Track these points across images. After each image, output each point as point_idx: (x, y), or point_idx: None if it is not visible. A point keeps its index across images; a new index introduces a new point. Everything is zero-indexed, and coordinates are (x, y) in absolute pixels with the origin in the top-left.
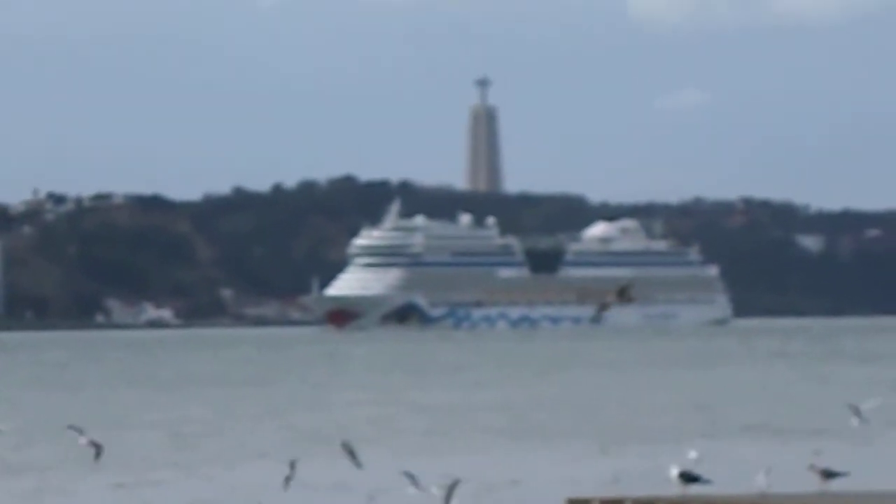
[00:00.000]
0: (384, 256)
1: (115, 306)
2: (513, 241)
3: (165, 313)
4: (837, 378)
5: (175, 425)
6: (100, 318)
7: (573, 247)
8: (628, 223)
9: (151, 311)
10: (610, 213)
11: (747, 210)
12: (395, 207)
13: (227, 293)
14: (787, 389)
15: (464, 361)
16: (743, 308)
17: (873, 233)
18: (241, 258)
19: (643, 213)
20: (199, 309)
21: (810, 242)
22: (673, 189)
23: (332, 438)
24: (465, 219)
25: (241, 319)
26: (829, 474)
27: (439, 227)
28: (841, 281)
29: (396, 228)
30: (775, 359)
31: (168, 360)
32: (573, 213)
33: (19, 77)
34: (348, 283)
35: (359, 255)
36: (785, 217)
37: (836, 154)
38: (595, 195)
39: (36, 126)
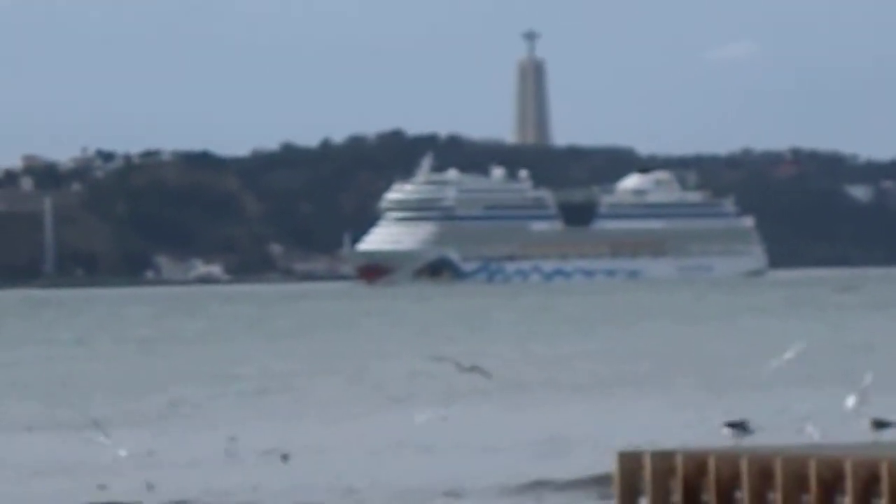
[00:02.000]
0: (416, 210)
1: (165, 262)
2: (546, 194)
3: (215, 269)
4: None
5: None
6: (149, 275)
7: (607, 199)
8: (662, 175)
9: (201, 267)
10: (658, 164)
11: (796, 160)
12: (427, 161)
13: (275, 248)
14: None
15: (534, 317)
16: (793, 259)
17: None
18: (290, 214)
19: (691, 164)
20: (248, 264)
21: (860, 192)
22: (721, 140)
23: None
24: (498, 172)
25: (289, 274)
26: (880, 424)
27: (472, 180)
28: (891, 230)
29: (429, 182)
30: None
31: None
32: (621, 165)
33: (68, 35)
34: (380, 238)
35: (391, 209)
36: (833, 167)
37: (885, 103)
38: (643, 147)
39: (84, 83)
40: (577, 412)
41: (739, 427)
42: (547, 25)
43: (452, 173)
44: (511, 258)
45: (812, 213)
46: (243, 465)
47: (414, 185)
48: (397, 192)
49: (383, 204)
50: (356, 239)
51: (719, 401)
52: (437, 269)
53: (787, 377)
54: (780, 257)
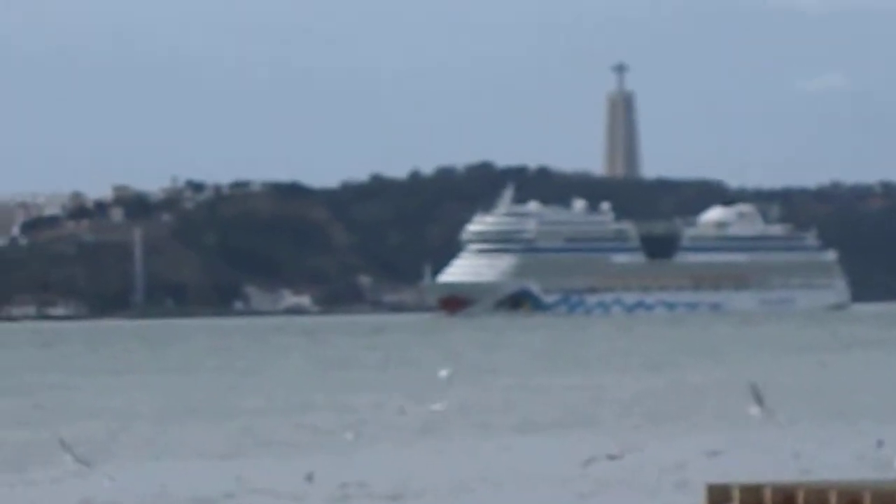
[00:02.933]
0: (497, 242)
1: (254, 293)
2: (628, 227)
3: (304, 300)
4: None
5: None
6: (238, 305)
7: (689, 232)
8: (745, 208)
9: (290, 298)
10: (747, 197)
11: (885, 194)
12: (508, 193)
13: (364, 280)
14: None
15: (665, 348)
16: (882, 293)
17: None
18: (378, 245)
19: (779, 197)
20: (337, 295)
21: None
22: (810, 173)
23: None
24: (579, 204)
25: (378, 306)
26: None
27: (552, 212)
28: None
29: (509, 214)
30: None
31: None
32: (710, 197)
33: (159, 66)
34: (461, 270)
35: (472, 240)
36: None
37: None
38: (732, 180)
39: (175, 114)
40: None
41: None
42: (636, 58)
43: (533, 205)
44: (592, 290)
45: None
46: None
47: (495, 216)
48: (478, 224)
49: (464, 236)
50: (438, 270)
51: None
52: (517, 301)
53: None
54: (867, 291)
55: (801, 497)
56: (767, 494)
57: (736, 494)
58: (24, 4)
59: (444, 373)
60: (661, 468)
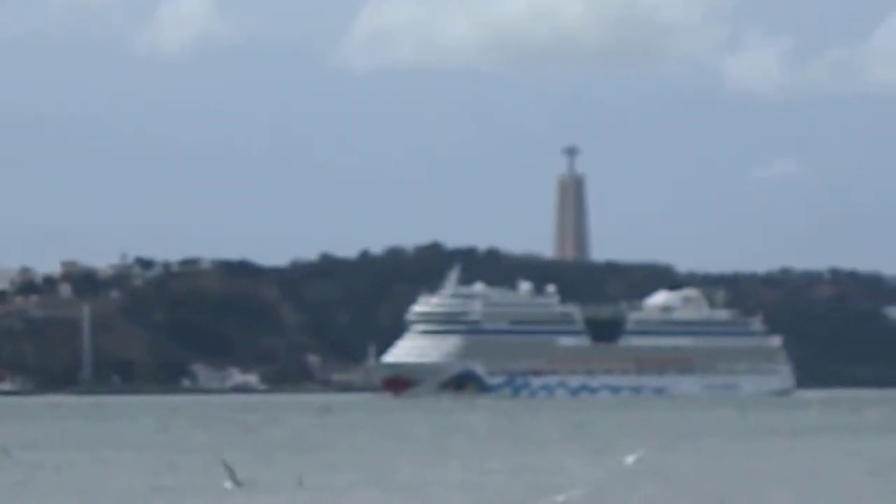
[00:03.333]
0: (442, 323)
1: (202, 371)
2: (573, 309)
3: (251, 378)
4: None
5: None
6: (186, 383)
7: (634, 315)
8: (690, 292)
9: (238, 377)
10: (696, 282)
11: (834, 280)
12: (454, 274)
13: (312, 359)
14: None
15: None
16: (831, 379)
17: None
18: (328, 324)
19: (729, 282)
20: (285, 374)
21: None
22: (760, 259)
23: None
24: (525, 286)
25: (326, 385)
26: None
27: (498, 294)
28: None
29: (455, 295)
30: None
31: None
32: (660, 281)
33: (107, 145)
34: (405, 350)
35: (417, 321)
36: (873, 288)
37: None
38: (682, 264)
39: (124, 191)
40: None
41: None
42: (588, 141)
43: (479, 287)
44: (537, 373)
45: (850, 334)
46: None
47: (440, 297)
48: (424, 305)
49: (410, 316)
50: (384, 350)
51: None
52: (462, 383)
53: None
54: (816, 377)
55: None
56: None
57: None
58: None
59: None
60: None
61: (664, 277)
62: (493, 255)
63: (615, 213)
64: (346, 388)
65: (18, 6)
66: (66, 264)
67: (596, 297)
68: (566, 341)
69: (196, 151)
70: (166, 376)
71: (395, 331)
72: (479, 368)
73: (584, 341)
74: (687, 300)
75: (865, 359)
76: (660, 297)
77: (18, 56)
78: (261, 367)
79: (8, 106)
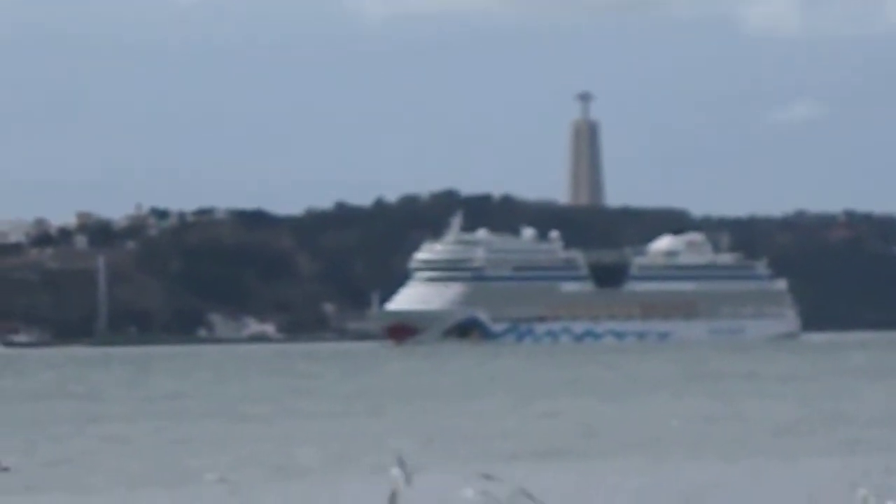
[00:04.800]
0: (445, 271)
1: (218, 321)
2: (577, 255)
3: (268, 328)
4: None
5: None
6: (202, 333)
7: (638, 261)
8: (694, 237)
9: (254, 326)
10: (711, 226)
11: (849, 222)
12: (456, 221)
13: (328, 308)
14: None
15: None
16: (842, 321)
17: None
18: (343, 273)
19: (745, 226)
20: (302, 324)
21: None
22: (777, 202)
23: None
24: (528, 232)
25: (343, 333)
26: None
27: (501, 240)
28: None
29: (457, 242)
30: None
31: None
32: (675, 226)
33: (122, 94)
34: (409, 298)
35: (420, 269)
36: (887, 229)
37: None
38: (698, 208)
39: (138, 141)
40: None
41: None
42: (602, 87)
43: (482, 233)
44: (541, 319)
45: (862, 276)
46: None
47: (443, 244)
48: (427, 252)
49: (413, 264)
50: (388, 298)
51: None
52: (465, 330)
53: None
54: (826, 320)
55: None
56: None
57: None
58: None
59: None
60: None
61: (679, 221)
62: (507, 202)
63: (630, 159)
64: (362, 336)
65: None
66: (81, 215)
67: (611, 242)
68: (570, 287)
69: (208, 101)
70: (182, 326)
71: (406, 279)
72: (483, 315)
73: (587, 287)
74: (690, 245)
75: (876, 301)
76: (664, 242)
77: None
78: (277, 316)
79: (13, 58)
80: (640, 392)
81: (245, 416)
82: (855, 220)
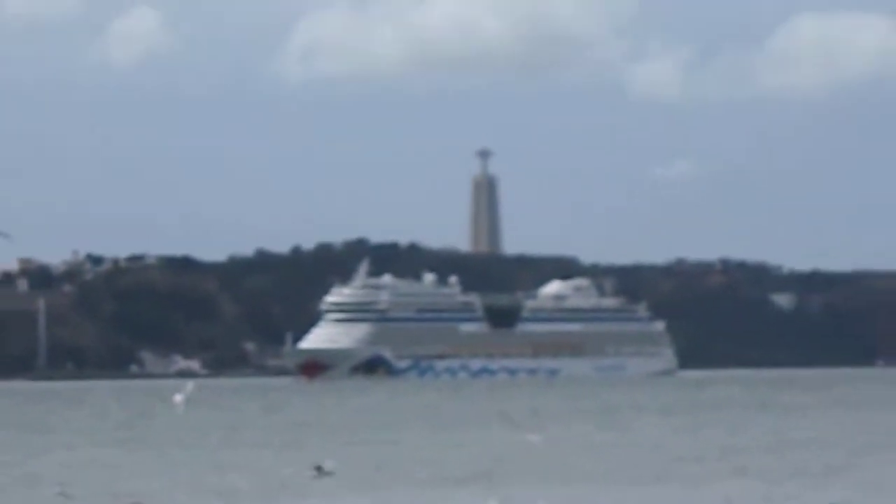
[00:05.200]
0: (353, 312)
1: (148, 358)
2: (474, 298)
3: (194, 364)
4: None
5: None
6: (134, 369)
7: (529, 304)
8: (581, 281)
9: (181, 363)
10: (599, 272)
11: (725, 270)
12: (363, 266)
13: (249, 346)
14: None
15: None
16: (722, 360)
17: (840, 292)
18: (263, 314)
19: (630, 273)
20: (225, 360)
21: (783, 300)
22: (659, 251)
23: None
24: (429, 277)
25: (262, 370)
26: None
27: (404, 285)
28: (812, 335)
29: (365, 286)
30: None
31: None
32: (565, 272)
33: (62, 146)
34: (319, 337)
35: (330, 310)
36: (759, 276)
37: (806, 216)
38: (587, 256)
39: (76, 190)
40: None
41: None
42: (500, 144)
43: (387, 278)
44: (441, 357)
45: (738, 319)
46: None
47: (351, 288)
48: (336, 295)
49: (323, 305)
50: (300, 338)
51: None
52: (372, 367)
53: None
54: (706, 359)
55: None
56: None
57: None
58: None
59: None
60: None
61: (569, 268)
62: (413, 249)
63: (526, 211)
64: (279, 372)
65: None
66: (22, 261)
67: (507, 287)
68: (467, 328)
69: (142, 153)
70: (116, 362)
71: (319, 320)
72: (388, 353)
73: (483, 328)
74: (577, 289)
75: (749, 341)
76: (553, 287)
77: None
78: (202, 353)
79: None
80: (543, 423)
81: (181, 444)
82: (730, 268)
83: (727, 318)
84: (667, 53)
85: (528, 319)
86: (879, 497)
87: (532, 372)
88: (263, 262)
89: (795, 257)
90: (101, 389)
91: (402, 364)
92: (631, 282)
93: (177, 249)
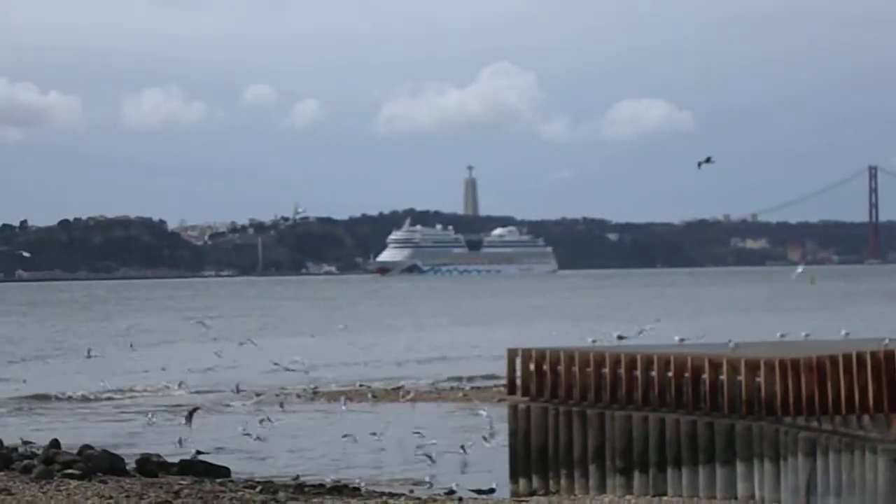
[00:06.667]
0: (401, 243)
1: (311, 265)
2: (458, 236)
3: (332, 268)
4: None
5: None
6: (303, 271)
7: (487, 239)
8: (512, 228)
9: (326, 267)
10: (524, 224)
11: (585, 223)
12: (407, 221)
13: (358, 259)
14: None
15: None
16: (579, 266)
17: (646, 232)
18: (364, 244)
19: (539, 225)
20: (346, 266)
21: (613, 237)
22: (554, 209)
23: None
24: (439, 227)
25: (364, 271)
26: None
27: (426, 230)
28: (633, 255)
29: (407, 230)
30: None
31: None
32: (506, 224)
33: None
34: (386, 255)
35: (390, 242)
36: (601, 227)
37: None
38: (522, 216)
39: None
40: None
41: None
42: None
43: (418, 227)
44: (444, 265)
45: (591, 247)
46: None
47: (400, 232)
48: (394, 234)
49: (387, 240)
50: (377, 255)
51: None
52: (411, 270)
53: None
54: (572, 266)
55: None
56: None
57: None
58: None
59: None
60: None
61: (509, 222)
62: (434, 214)
63: (498, 189)
64: (369, 272)
65: None
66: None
67: (477, 231)
68: (457, 251)
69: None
70: (295, 268)
71: (381, 247)
72: (419, 263)
73: (465, 251)
74: (510, 232)
75: (596, 256)
76: (498, 231)
77: None
78: (335, 262)
79: None
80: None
81: None
82: (578, 221)
83: (584, 246)
84: None
85: (486, 246)
86: None
87: (488, 272)
88: (364, 219)
89: (623, 215)
90: (290, 282)
91: (426, 268)
92: (541, 230)
93: (322, 212)
